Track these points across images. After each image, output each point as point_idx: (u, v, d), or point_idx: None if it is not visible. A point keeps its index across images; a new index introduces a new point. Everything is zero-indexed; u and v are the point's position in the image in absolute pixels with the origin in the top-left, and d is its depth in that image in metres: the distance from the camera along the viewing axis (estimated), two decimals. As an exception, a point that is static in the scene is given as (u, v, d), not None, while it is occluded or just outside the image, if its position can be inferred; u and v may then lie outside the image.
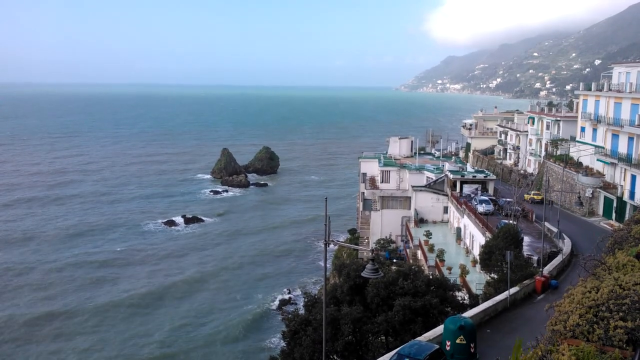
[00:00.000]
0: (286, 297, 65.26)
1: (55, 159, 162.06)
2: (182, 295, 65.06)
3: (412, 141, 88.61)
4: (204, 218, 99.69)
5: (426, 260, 50.11)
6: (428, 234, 55.14)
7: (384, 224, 67.53)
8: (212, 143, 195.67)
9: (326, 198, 28.51)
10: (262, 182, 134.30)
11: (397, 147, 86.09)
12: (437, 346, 21.95)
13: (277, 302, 63.59)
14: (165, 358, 50.74)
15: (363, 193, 75.27)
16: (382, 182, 74.04)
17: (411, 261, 52.80)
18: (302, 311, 31.56)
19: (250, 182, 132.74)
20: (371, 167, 79.22)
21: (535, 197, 64.15)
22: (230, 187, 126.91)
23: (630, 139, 54.07)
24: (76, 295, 64.19)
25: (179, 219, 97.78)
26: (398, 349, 22.16)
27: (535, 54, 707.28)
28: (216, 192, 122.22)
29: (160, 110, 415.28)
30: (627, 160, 53.80)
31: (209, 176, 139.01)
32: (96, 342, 53.33)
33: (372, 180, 76.15)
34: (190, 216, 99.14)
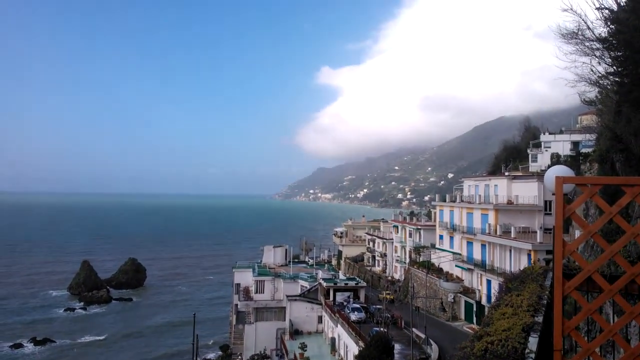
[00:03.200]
0: None
1: None
2: None
3: (286, 249, 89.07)
4: (56, 340, 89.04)
5: (301, 374, 48.46)
6: (303, 347, 53.83)
7: (258, 338, 65.10)
8: (69, 255, 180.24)
9: (194, 314, 27.14)
10: (126, 297, 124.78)
11: (272, 256, 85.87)
12: None
13: None
14: None
15: (236, 305, 72.71)
16: (257, 292, 72.48)
17: (286, 376, 50.81)
18: None
19: (113, 297, 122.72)
20: (245, 277, 77.58)
21: (387, 296, 69.15)
22: (89, 304, 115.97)
23: (483, 246, 59.00)
24: None
25: (27, 343, 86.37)
26: None
27: (397, 168, 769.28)
28: (72, 310, 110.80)
29: (4, 221, 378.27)
30: (482, 266, 58.24)
31: (65, 292, 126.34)
32: None
33: (247, 290, 74.22)
34: (41, 338, 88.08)
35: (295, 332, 63.22)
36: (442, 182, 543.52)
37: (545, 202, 57.97)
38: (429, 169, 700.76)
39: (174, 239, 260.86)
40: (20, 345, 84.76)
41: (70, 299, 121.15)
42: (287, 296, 66.96)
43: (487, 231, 58.21)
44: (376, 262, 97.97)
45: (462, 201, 68.66)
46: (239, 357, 65.71)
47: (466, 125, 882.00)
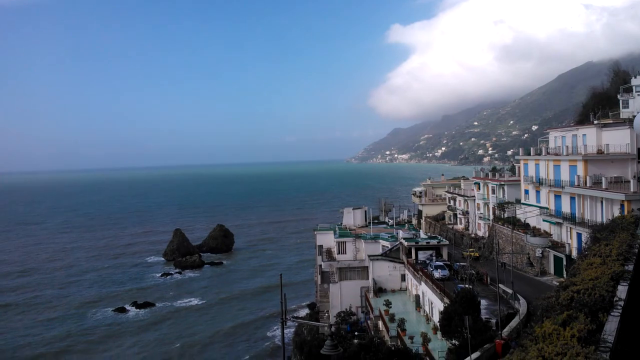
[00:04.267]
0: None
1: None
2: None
3: (365, 211, 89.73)
4: (156, 303, 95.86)
5: (387, 330, 49.45)
6: (388, 304, 54.74)
7: (343, 296, 66.73)
8: (162, 224, 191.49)
9: (281, 274, 28.15)
10: (217, 261, 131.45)
11: (352, 218, 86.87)
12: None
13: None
14: None
15: (320, 266, 74.69)
16: (339, 253, 73.97)
17: (373, 333, 52.04)
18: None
19: (205, 262, 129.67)
20: (327, 239, 79.24)
21: (472, 254, 67.64)
22: (183, 269, 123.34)
23: (572, 198, 56.60)
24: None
25: (129, 306, 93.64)
26: None
27: (476, 123, 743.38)
28: (169, 275, 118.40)
29: (102, 194, 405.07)
30: (571, 219, 56.02)
31: (161, 258, 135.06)
32: None
33: (329, 252, 75.93)
34: (142, 302, 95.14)
35: (379, 290, 64.23)
36: (525, 135, 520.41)
37: (639, 149, 54.41)
38: (511, 122, 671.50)
39: (257, 205, 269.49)
40: (123, 310, 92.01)
41: (166, 264, 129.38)
42: (369, 256, 67.86)
43: (576, 183, 55.69)
44: (458, 220, 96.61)
45: (548, 153, 65.79)
46: (326, 314, 67.89)
47: (550, 74, 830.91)
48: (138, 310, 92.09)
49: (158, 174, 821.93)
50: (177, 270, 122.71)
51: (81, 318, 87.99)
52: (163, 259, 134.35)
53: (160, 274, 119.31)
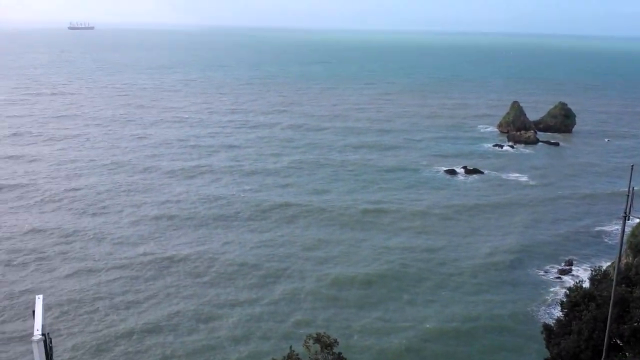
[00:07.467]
0: (565, 268, 60.99)
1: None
2: (449, 245, 66.04)
3: None
4: (485, 171, 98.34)
5: None
6: None
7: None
8: (500, 95, 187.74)
9: (632, 165, 25.05)
10: (552, 141, 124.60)
11: None
12: None
13: (554, 272, 59.93)
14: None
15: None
16: None
17: None
18: (585, 284, 29.44)
19: (540, 140, 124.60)
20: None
21: None
22: (516, 143, 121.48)
23: None
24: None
25: (459, 169, 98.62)
26: None
27: None
28: (500, 146, 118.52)
29: (437, 58, 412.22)
30: None
31: (494, 129, 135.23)
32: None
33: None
34: (472, 168, 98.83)
35: None
36: None
37: None
38: None
39: (607, 87, 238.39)
40: (453, 172, 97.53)
41: (499, 136, 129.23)
42: None
43: None
44: None
45: None
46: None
47: None
48: (467, 175, 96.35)
49: (493, 42, 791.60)
50: (510, 143, 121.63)
51: (414, 175, 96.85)
52: (497, 130, 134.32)
53: (492, 144, 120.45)
